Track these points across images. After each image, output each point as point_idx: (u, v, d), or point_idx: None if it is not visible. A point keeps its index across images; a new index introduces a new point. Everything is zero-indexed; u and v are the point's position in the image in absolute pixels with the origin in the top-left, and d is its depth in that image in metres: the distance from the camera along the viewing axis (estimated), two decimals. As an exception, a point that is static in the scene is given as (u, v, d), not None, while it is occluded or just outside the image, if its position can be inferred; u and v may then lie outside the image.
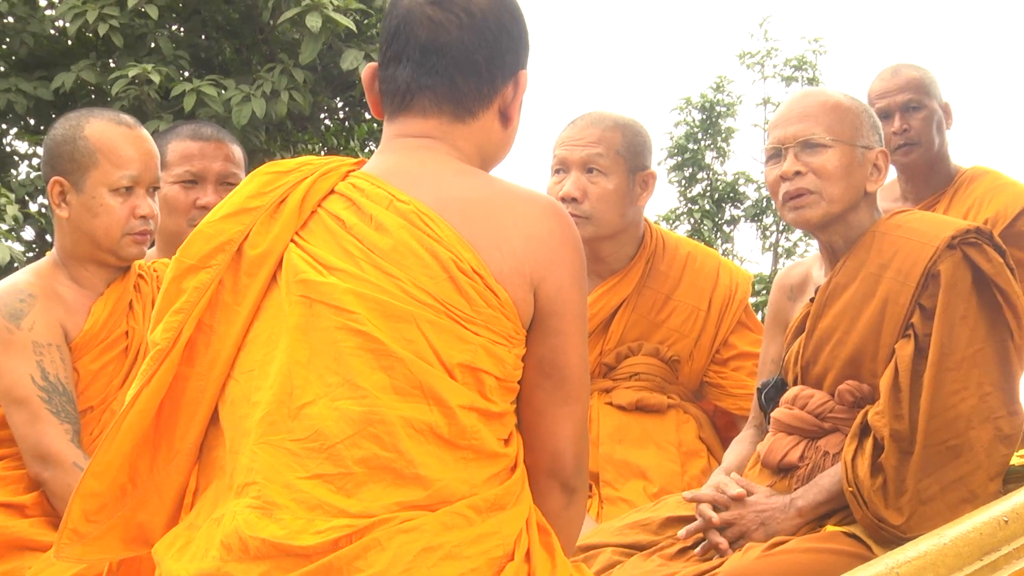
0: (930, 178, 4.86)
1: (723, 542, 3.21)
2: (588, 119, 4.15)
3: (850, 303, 3.28)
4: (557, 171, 4.10)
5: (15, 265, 9.92)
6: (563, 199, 4.01)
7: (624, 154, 4.09)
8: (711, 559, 3.21)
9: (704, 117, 22.04)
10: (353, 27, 11.21)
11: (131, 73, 10.97)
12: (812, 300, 3.39)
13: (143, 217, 3.65)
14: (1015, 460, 3.40)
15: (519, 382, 2.49)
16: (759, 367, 3.72)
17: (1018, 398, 3.17)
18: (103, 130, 3.67)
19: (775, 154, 3.41)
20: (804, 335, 3.36)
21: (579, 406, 2.49)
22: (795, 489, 3.25)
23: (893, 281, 3.23)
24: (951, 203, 4.77)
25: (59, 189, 3.67)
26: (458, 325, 2.40)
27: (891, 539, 3.06)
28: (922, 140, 4.80)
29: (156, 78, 11.01)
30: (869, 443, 3.10)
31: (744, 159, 25.13)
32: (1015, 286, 3.20)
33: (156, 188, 3.70)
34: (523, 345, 2.48)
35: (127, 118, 3.72)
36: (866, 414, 3.19)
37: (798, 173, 3.35)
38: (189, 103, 11.04)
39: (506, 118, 2.62)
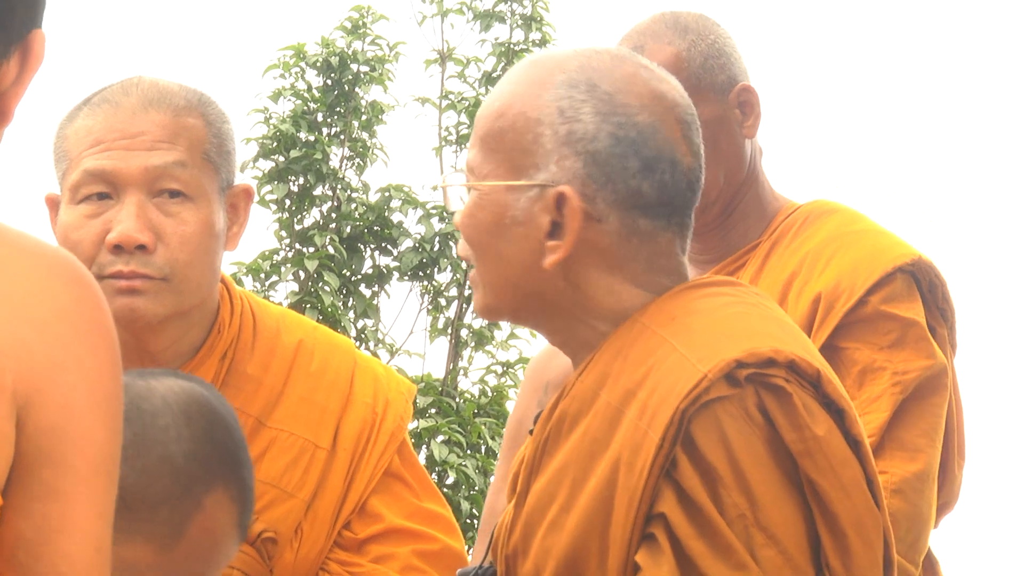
0: (726, 221, 2.97)
1: None
2: None
3: (575, 455, 2.03)
4: None
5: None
6: None
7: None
8: None
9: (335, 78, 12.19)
10: None
11: None
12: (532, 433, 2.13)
13: None
14: None
15: None
16: (483, 522, 2.51)
17: None
18: None
19: None
20: (515, 498, 2.12)
21: None
22: None
23: (634, 424, 1.97)
24: (767, 260, 2.93)
25: None
26: None
27: None
28: None
29: None
30: None
31: (402, 166, 14.62)
32: (847, 474, 1.95)
33: None
34: None
35: None
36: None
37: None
38: None
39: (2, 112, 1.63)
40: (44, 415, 1.55)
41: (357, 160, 12.05)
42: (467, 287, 11.78)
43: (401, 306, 12.12)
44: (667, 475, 1.95)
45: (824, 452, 1.95)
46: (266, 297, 10.62)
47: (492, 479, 2.47)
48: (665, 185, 2.07)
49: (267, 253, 11.67)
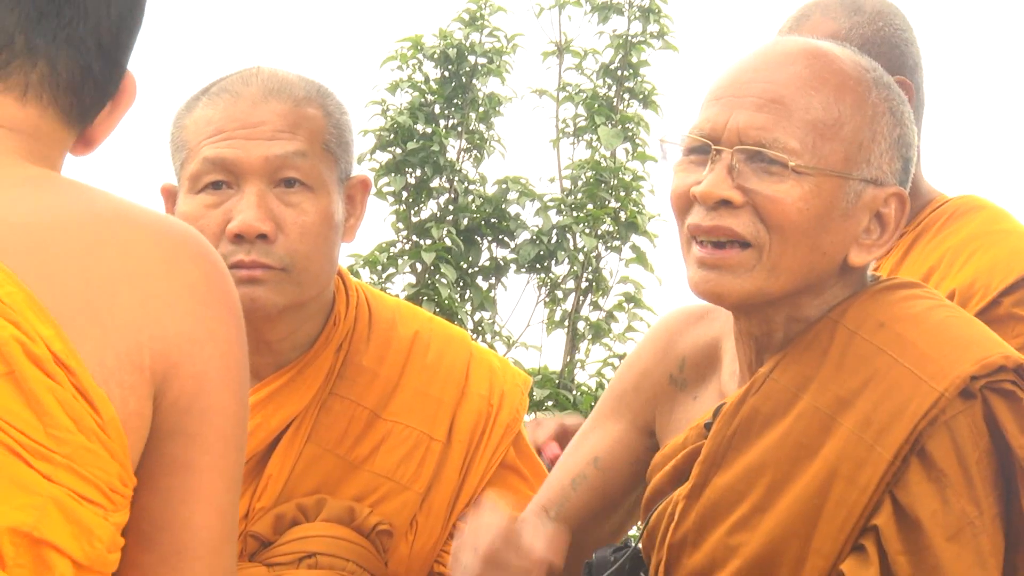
0: None
1: None
2: None
3: (773, 456, 1.95)
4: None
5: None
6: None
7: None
8: None
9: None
10: None
11: None
12: (708, 427, 2.02)
13: None
14: None
15: None
16: (563, 461, 2.35)
17: None
18: None
19: (699, 148, 2.02)
20: (687, 488, 2.02)
21: None
22: None
23: (856, 437, 1.91)
24: (909, 252, 2.86)
25: None
26: (17, 460, 1.43)
27: None
28: None
29: None
30: None
31: (519, 158, 14.28)
32: None
33: None
34: (129, 504, 1.52)
35: None
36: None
37: (725, 203, 1.95)
38: None
39: (90, 141, 1.69)
40: (179, 390, 1.54)
41: (474, 152, 11.82)
42: (584, 280, 11.57)
43: (518, 298, 11.92)
44: (888, 489, 1.93)
45: None
46: (383, 289, 10.51)
47: (585, 424, 2.39)
48: None
49: (384, 245, 11.45)
